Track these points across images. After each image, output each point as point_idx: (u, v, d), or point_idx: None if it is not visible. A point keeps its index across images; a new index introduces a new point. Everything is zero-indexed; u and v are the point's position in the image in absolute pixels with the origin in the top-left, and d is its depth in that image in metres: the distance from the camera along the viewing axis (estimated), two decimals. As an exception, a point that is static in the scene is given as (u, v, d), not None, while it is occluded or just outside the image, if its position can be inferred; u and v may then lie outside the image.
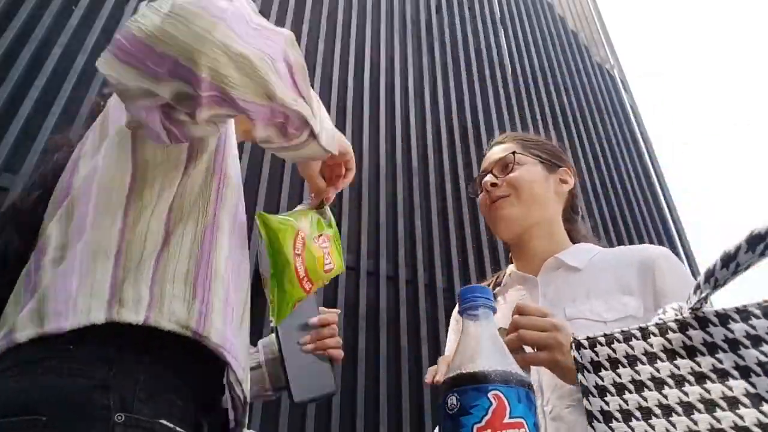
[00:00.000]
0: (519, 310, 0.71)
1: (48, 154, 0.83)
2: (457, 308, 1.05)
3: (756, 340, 0.47)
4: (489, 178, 1.02)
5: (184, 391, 0.61)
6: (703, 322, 0.50)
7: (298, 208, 0.79)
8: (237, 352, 0.63)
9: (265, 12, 3.88)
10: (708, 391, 0.48)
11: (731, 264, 0.47)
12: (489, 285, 1.07)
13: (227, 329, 0.62)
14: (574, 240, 1.03)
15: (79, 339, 0.56)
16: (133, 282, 0.59)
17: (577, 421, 0.78)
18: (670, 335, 0.52)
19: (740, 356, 0.47)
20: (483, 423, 0.48)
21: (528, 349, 0.70)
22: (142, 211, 0.63)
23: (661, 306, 0.81)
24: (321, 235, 0.74)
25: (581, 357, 0.57)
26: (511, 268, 1.06)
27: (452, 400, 0.52)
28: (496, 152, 1.07)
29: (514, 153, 1.02)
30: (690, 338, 0.51)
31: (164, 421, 0.58)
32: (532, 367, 0.80)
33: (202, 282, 0.62)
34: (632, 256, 0.92)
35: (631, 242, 4.82)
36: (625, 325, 0.82)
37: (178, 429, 0.59)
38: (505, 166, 1.02)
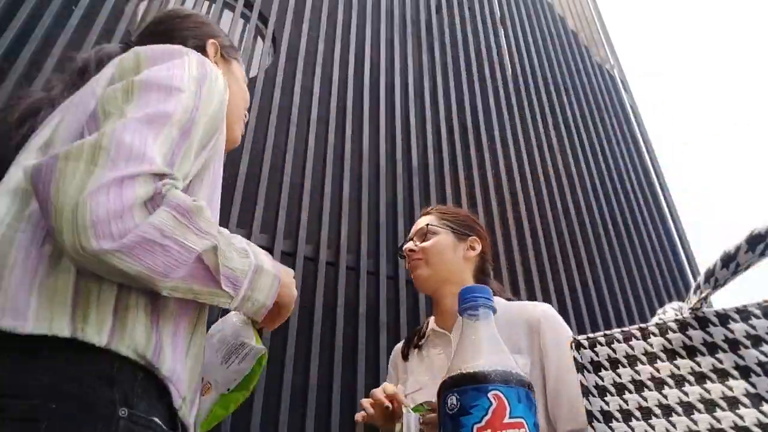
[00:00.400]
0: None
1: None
2: (398, 346, 1.27)
3: (756, 340, 0.47)
4: (409, 245, 1.25)
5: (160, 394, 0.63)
6: (703, 322, 0.50)
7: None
8: (180, 383, 0.65)
9: (265, 12, 3.88)
10: (708, 391, 0.48)
11: (731, 264, 0.47)
12: (415, 336, 1.25)
13: (176, 360, 0.64)
14: None
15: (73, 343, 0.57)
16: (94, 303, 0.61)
17: None
18: (670, 335, 0.52)
19: (740, 356, 0.47)
20: (483, 423, 0.48)
21: None
22: None
23: (543, 360, 1.00)
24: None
25: (581, 357, 0.57)
26: (431, 322, 1.23)
27: (452, 400, 0.52)
28: (419, 222, 1.29)
29: (428, 225, 1.24)
30: (690, 338, 0.51)
31: (156, 419, 0.59)
32: None
33: (154, 313, 0.64)
34: (519, 316, 1.08)
35: (631, 242, 4.82)
36: None
37: (166, 428, 0.60)
38: (423, 234, 1.24)
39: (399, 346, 1.27)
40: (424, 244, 1.22)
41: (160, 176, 0.59)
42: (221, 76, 0.79)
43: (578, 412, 0.97)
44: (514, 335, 1.04)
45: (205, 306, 0.72)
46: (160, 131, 0.62)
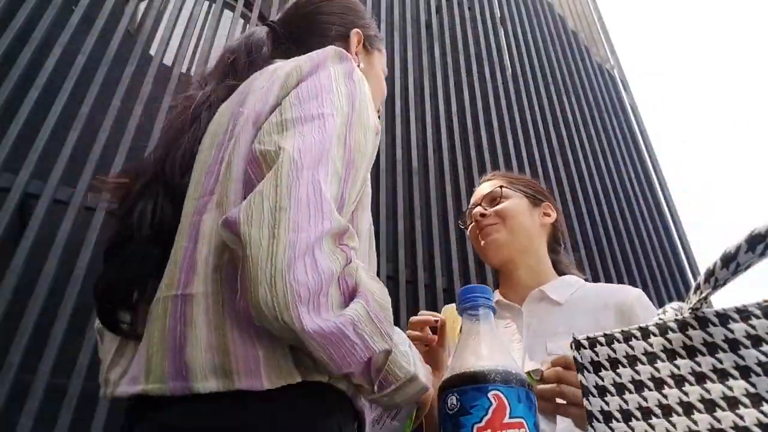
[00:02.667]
0: (565, 364, 0.72)
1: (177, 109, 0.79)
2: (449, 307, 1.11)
3: (756, 340, 0.47)
4: (478, 209, 1.10)
5: None
6: (703, 322, 0.50)
7: None
8: (366, 413, 0.68)
9: (265, 12, 3.88)
10: (708, 391, 0.48)
11: (731, 264, 0.47)
12: None
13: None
14: (558, 271, 1.10)
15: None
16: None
17: None
18: (670, 335, 0.52)
19: (740, 356, 0.47)
20: (483, 423, 0.48)
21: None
22: None
23: None
24: None
25: (581, 357, 0.57)
26: (497, 295, 1.10)
27: (452, 399, 0.52)
28: (484, 187, 1.15)
29: (501, 187, 1.10)
30: (690, 338, 0.51)
31: None
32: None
33: None
34: (609, 297, 0.97)
35: (631, 243, 4.82)
36: None
37: None
38: (493, 199, 1.10)
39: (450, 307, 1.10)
40: (499, 206, 1.08)
41: (341, 234, 0.57)
42: (365, 84, 0.72)
43: None
44: (602, 319, 0.93)
45: None
46: (326, 171, 0.58)
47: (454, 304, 0.94)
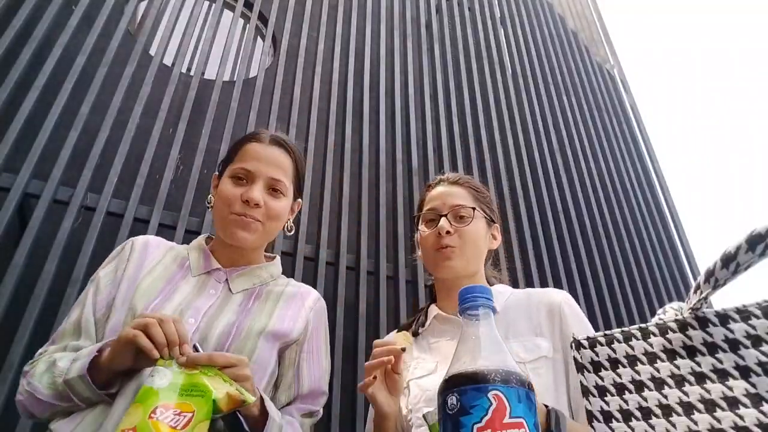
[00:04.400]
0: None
1: None
2: (390, 336, 1.14)
3: (756, 340, 0.47)
4: (445, 224, 1.06)
5: None
6: (703, 322, 0.50)
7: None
8: None
9: (265, 12, 3.88)
10: (708, 391, 0.48)
11: (731, 264, 0.47)
12: (412, 323, 1.15)
13: None
14: (488, 280, 1.14)
15: None
16: None
17: None
18: (670, 335, 0.52)
19: (740, 356, 0.47)
20: (483, 423, 0.48)
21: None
22: None
23: (565, 346, 0.95)
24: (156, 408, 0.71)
25: (581, 357, 0.57)
26: (435, 309, 1.12)
27: (452, 400, 0.51)
28: (454, 195, 1.12)
29: (474, 209, 1.09)
30: (690, 338, 0.51)
31: None
32: None
33: None
34: (540, 299, 1.03)
35: (631, 242, 4.81)
36: (540, 365, 0.95)
37: None
38: (461, 217, 1.08)
39: (391, 335, 1.16)
40: (464, 228, 1.07)
41: None
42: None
43: None
44: (535, 318, 0.99)
45: None
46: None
47: (404, 331, 1.02)
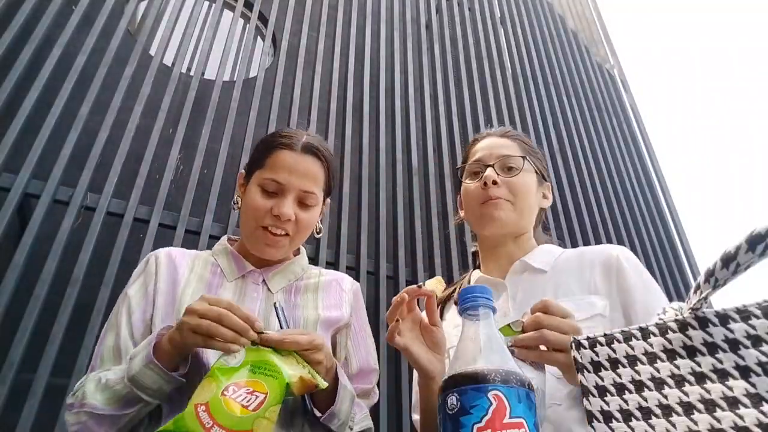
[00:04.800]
0: (544, 308, 0.68)
1: None
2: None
3: (756, 340, 0.47)
4: (492, 173, 0.97)
5: None
6: (703, 322, 0.50)
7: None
8: None
9: (265, 12, 3.88)
10: (708, 391, 0.48)
11: (731, 264, 0.47)
12: (454, 289, 1.06)
13: None
14: (537, 240, 1.05)
15: None
16: None
17: (563, 418, 0.77)
18: (670, 335, 0.52)
19: (740, 356, 0.47)
20: (483, 423, 0.48)
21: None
22: None
23: (626, 302, 0.87)
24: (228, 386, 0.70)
25: (581, 357, 0.57)
26: (477, 273, 1.05)
27: (452, 399, 0.52)
28: (501, 146, 1.02)
29: (524, 158, 1.00)
30: (690, 338, 0.51)
31: None
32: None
33: None
34: (594, 256, 0.94)
35: (631, 242, 4.81)
36: (594, 324, 0.86)
37: None
38: (509, 167, 0.99)
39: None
40: (516, 180, 0.98)
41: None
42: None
43: None
44: (588, 276, 0.91)
45: None
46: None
47: (438, 277, 0.90)
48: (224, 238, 1.07)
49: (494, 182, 0.97)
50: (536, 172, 1.02)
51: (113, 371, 0.82)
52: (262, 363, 0.73)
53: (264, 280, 1.00)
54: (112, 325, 0.92)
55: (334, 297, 1.03)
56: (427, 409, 0.83)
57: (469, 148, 1.09)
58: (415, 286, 0.80)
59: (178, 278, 0.95)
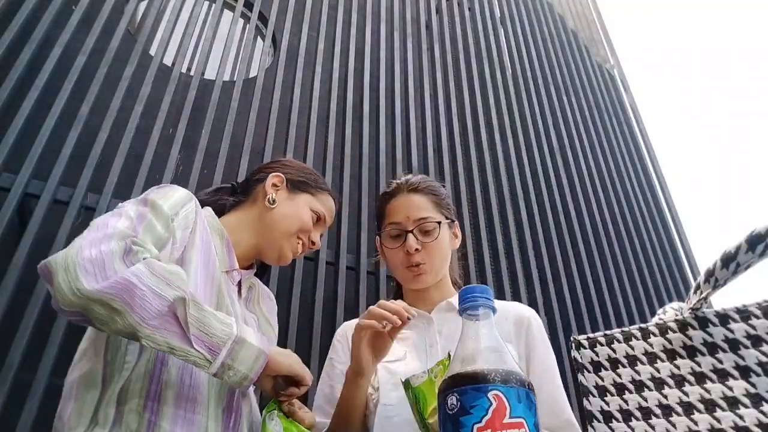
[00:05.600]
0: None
1: None
2: (350, 323, 1.13)
3: (756, 340, 0.47)
4: (413, 242, 1.05)
5: None
6: (703, 322, 0.50)
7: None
8: None
9: (265, 12, 3.87)
10: (708, 391, 0.48)
11: (731, 264, 0.47)
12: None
13: (176, 428, 0.77)
14: (453, 280, 1.16)
15: None
16: (104, 405, 0.78)
17: None
18: (670, 335, 0.52)
19: (740, 356, 0.47)
20: (483, 423, 0.48)
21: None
22: (117, 349, 0.81)
23: (529, 356, 1.00)
24: None
25: (581, 357, 0.57)
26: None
27: (452, 399, 0.52)
28: (416, 207, 1.08)
29: (439, 223, 1.07)
30: (690, 338, 0.51)
31: None
32: None
33: (153, 395, 0.78)
34: (509, 309, 1.07)
35: (631, 242, 4.81)
36: None
37: None
38: (426, 231, 1.06)
39: (351, 322, 1.12)
40: (431, 243, 1.05)
41: (124, 237, 0.77)
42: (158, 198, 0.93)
43: (561, 409, 0.95)
44: (504, 326, 1.02)
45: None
46: (118, 217, 0.86)
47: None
48: (211, 213, 1.04)
49: (416, 249, 1.05)
50: (446, 218, 1.10)
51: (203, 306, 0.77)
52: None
53: (240, 283, 1.01)
54: (142, 216, 0.86)
55: (270, 310, 1.12)
56: (348, 397, 0.95)
57: (382, 204, 1.15)
58: (412, 313, 0.89)
59: (203, 249, 0.94)
